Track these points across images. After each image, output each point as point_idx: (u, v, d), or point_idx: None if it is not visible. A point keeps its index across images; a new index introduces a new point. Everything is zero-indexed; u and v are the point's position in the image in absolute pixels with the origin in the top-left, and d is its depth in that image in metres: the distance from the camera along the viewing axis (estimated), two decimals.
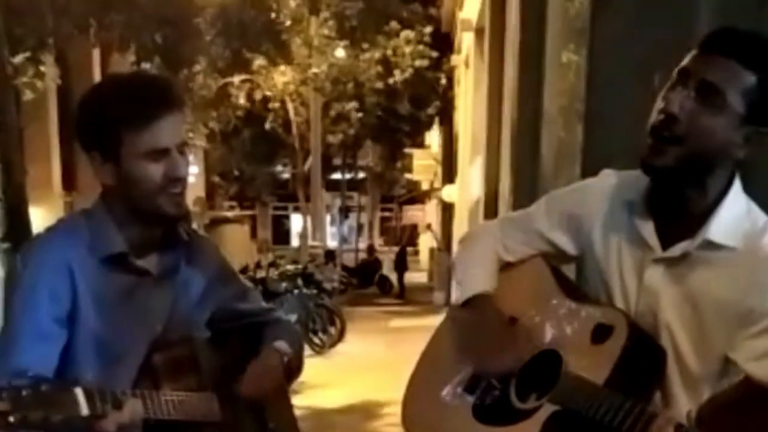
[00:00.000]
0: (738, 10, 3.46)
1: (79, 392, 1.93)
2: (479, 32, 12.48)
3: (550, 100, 6.63)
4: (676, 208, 2.13)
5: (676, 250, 2.12)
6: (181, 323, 2.44)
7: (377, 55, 22.61)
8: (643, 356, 2.11)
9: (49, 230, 2.39)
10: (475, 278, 2.39)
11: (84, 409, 1.93)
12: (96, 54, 15.09)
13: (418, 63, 22.86)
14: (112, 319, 2.31)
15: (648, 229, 2.16)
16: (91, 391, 1.97)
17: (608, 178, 2.31)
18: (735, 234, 2.08)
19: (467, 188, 14.65)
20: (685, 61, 2.06)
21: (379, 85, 23.08)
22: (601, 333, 2.13)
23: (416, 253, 36.27)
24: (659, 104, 2.07)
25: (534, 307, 2.34)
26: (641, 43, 3.78)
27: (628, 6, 3.94)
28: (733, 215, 2.09)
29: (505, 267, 2.44)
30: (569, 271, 2.47)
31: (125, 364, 2.31)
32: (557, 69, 6.46)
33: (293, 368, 2.59)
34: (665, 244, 2.13)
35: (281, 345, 2.55)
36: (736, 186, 2.13)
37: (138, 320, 2.35)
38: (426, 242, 31.70)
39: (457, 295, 2.42)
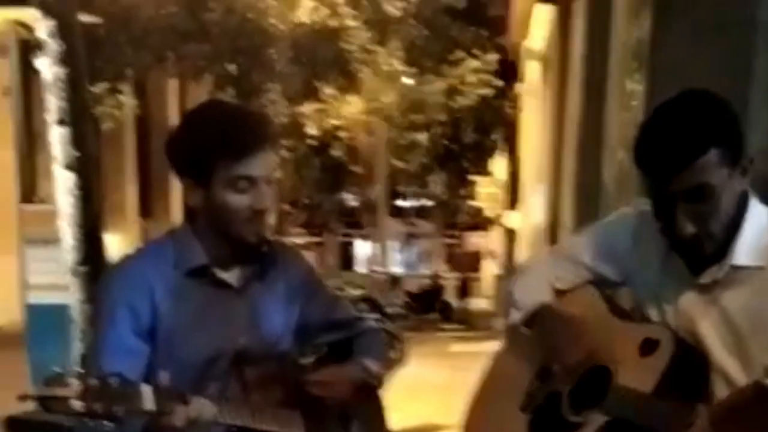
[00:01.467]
0: None
1: (146, 388, 2.06)
2: (544, 61, 12.58)
3: (612, 129, 6.72)
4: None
5: (706, 277, 2.21)
6: (266, 336, 2.49)
7: (443, 84, 22.75)
8: (688, 366, 2.24)
9: (136, 251, 2.55)
10: (533, 295, 2.49)
11: (149, 404, 2.05)
12: (173, 84, 15.47)
13: (483, 91, 22.96)
14: (195, 332, 2.39)
15: (677, 261, 2.27)
16: (160, 388, 2.09)
17: (644, 211, 2.36)
18: (759, 253, 2.16)
19: (530, 215, 14.67)
20: (659, 190, 2.14)
21: (445, 115, 23.20)
22: (648, 346, 2.26)
23: (479, 279, 36.16)
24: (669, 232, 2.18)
25: (585, 326, 2.44)
26: (700, 69, 3.87)
27: (686, 32, 4.03)
28: (754, 235, 2.17)
29: (559, 294, 2.53)
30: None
31: (208, 376, 2.40)
32: (620, 98, 6.55)
33: (377, 385, 2.64)
34: (695, 270, 2.24)
35: (368, 362, 2.57)
36: (753, 204, 2.21)
37: (221, 332, 2.42)
38: (489, 269, 31.60)
39: (513, 317, 2.52)
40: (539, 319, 2.46)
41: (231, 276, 2.45)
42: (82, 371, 1.99)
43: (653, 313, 2.34)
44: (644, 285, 2.36)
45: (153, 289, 2.36)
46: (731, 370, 2.21)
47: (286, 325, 2.56)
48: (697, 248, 2.16)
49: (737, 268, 2.17)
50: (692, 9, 3.94)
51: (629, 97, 6.18)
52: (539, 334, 2.47)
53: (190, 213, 2.46)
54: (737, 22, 3.75)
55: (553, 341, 2.41)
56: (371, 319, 2.96)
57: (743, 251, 2.16)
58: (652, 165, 2.13)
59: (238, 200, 2.32)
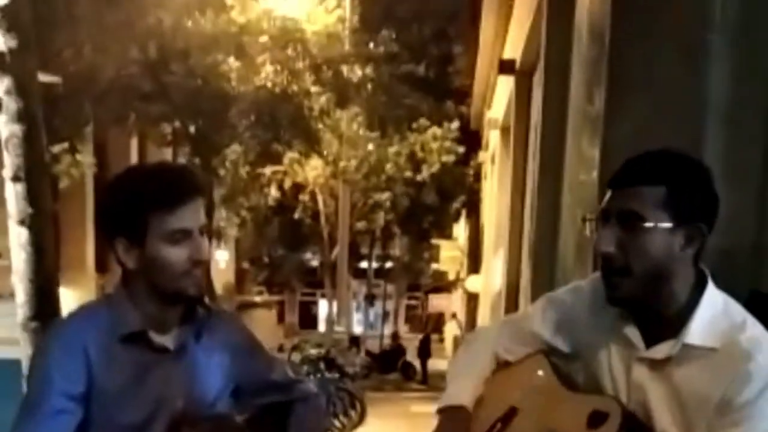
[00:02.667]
0: (743, 120, 3.62)
1: None
2: (505, 131, 12.72)
3: (568, 194, 6.77)
4: (652, 312, 2.26)
5: (659, 352, 2.23)
6: (203, 398, 2.49)
7: (405, 151, 22.99)
8: None
9: (69, 315, 2.52)
10: (458, 388, 2.53)
11: None
12: (134, 143, 15.50)
13: (444, 158, 23.22)
14: (130, 396, 2.39)
15: (631, 330, 2.28)
16: None
17: (597, 281, 2.40)
18: (713, 335, 2.18)
19: (491, 279, 14.71)
20: (603, 204, 2.22)
21: (408, 175, 23.42)
22: (596, 419, 2.27)
23: (441, 341, 36.13)
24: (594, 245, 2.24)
25: (535, 397, 2.47)
26: (653, 142, 3.91)
27: (640, 112, 4.08)
28: (709, 316, 2.20)
29: (508, 362, 2.56)
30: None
31: None
32: (577, 164, 6.61)
33: None
34: (649, 342, 2.26)
35: None
36: (710, 287, 2.23)
37: (157, 396, 2.41)
38: (451, 330, 31.61)
39: (441, 399, 2.54)
40: (446, 418, 2.48)
41: (167, 339, 2.45)
42: None
43: (606, 384, 2.34)
44: (596, 356, 2.36)
45: (88, 352, 2.36)
46: None
47: (222, 387, 2.55)
48: (614, 276, 2.20)
49: (690, 347, 2.19)
50: (645, 85, 3.99)
51: (587, 163, 6.23)
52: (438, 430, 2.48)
53: (124, 277, 2.45)
54: (690, 98, 3.80)
55: None
56: (309, 382, 2.92)
57: (697, 331, 2.19)
58: (615, 173, 2.21)
59: (175, 253, 2.33)
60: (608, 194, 2.21)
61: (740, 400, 2.11)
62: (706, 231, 2.18)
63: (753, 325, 2.20)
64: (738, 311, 2.24)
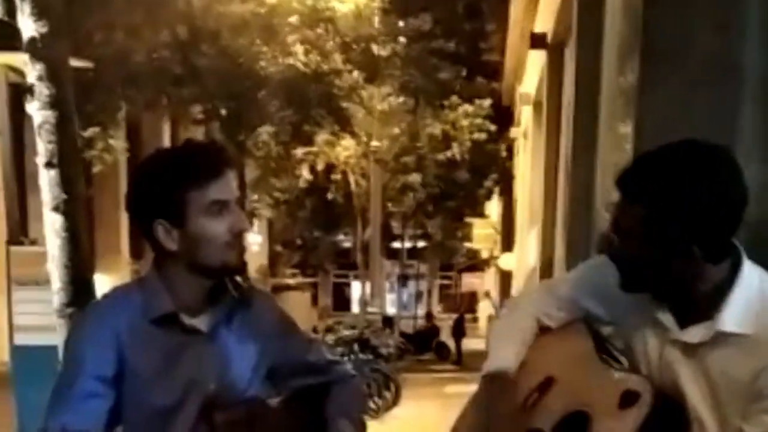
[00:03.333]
0: None
1: None
2: (537, 106, 12.66)
3: (602, 172, 6.72)
4: (679, 294, 2.23)
5: (692, 336, 2.21)
6: (236, 380, 2.48)
7: (437, 130, 22.93)
8: (666, 420, 2.24)
9: (102, 298, 2.53)
10: (502, 353, 2.50)
11: None
12: (166, 126, 15.57)
13: (476, 136, 23.12)
14: (162, 378, 2.40)
15: (664, 312, 2.27)
16: None
17: None
18: (747, 320, 2.15)
19: (525, 257, 14.70)
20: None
21: (440, 156, 23.35)
22: (628, 399, 2.26)
23: (475, 320, 36.12)
24: None
25: (572, 368, 2.45)
26: (686, 122, 3.87)
27: (674, 81, 4.04)
28: (744, 301, 2.15)
29: (549, 329, 2.54)
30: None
31: (176, 421, 2.40)
32: (611, 141, 6.55)
33: None
34: (682, 321, 2.24)
35: (343, 425, 2.55)
36: (745, 269, 2.18)
37: (189, 378, 2.42)
38: (485, 309, 31.60)
39: (485, 365, 2.53)
40: (493, 381, 2.47)
41: (200, 322, 2.45)
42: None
43: (639, 358, 2.35)
44: (632, 331, 2.36)
45: (120, 335, 2.37)
46: (709, 424, 2.23)
47: (256, 369, 2.54)
48: (616, 258, 2.24)
49: (723, 333, 2.17)
50: (679, 59, 3.94)
51: (620, 140, 6.17)
52: (482, 395, 2.49)
53: (157, 261, 2.46)
54: (724, 72, 3.75)
55: (492, 415, 2.44)
56: (347, 364, 2.91)
57: (731, 318, 2.15)
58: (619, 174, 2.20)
59: (216, 225, 2.35)
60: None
61: None
62: (698, 254, 2.13)
63: None
64: None
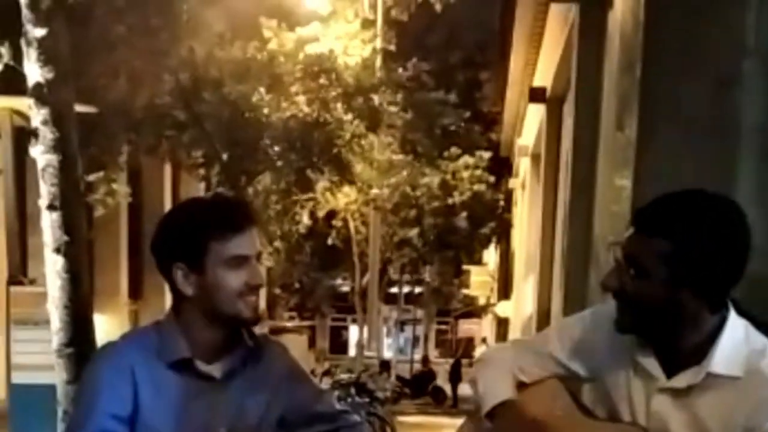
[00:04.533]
0: None
1: None
2: (535, 158, 12.77)
3: (600, 224, 6.77)
4: (669, 342, 2.24)
5: (681, 381, 2.21)
6: (248, 426, 2.49)
7: (437, 179, 23.10)
8: None
9: (121, 338, 2.54)
10: (496, 388, 2.46)
11: None
12: (167, 172, 15.65)
13: (476, 187, 23.31)
14: (175, 422, 2.40)
15: (650, 361, 2.27)
16: None
17: (614, 306, 2.38)
18: (736, 362, 2.16)
19: (521, 304, 14.71)
20: (624, 238, 2.22)
21: (438, 204, 23.51)
22: None
23: (471, 365, 35.94)
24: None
25: (553, 422, 2.41)
26: (685, 173, 3.92)
27: (674, 139, 4.09)
28: (732, 345, 2.18)
29: (521, 387, 2.47)
30: None
31: None
32: (608, 193, 6.60)
33: None
34: (669, 370, 2.25)
35: None
36: (732, 316, 2.21)
37: (201, 423, 2.43)
38: None
39: (483, 406, 2.47)
40: (502, 414, 2.41)
41: (214, 369, 2.47)
42: None
43: (623, 411, 2.32)
44: (615, 383, 2.34)
45: (135, 376, 2.39)
46: None
47: (266, 417, 2.54)
48: (619, 307, 2.22)
49: (712, 376, 2.17)
50: (678, 114, 3.99)
51: (619, 192, 6.22)
52: (500, 430, 2.43)
53: (175, 305, 2.49)
54: (723, 127, 3.81)
55: None
56: (355, 414, 2.89)
57: (721, 360, 2.16)
58: (636, 213, 2.20)
59: (233, 278, 2.38)
60: (630, 230, 2.21)
61: (766, 428, 2.11)
62: (702, 301, 2.16)
63: None
64: (759, 338, 2.22)
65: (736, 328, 2.20)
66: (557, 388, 2.46)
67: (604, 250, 6.46)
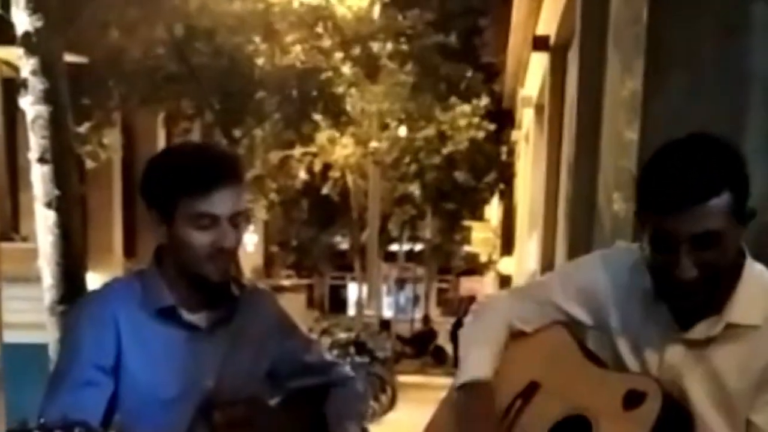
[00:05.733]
0: None
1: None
2: (539, 109, 12.65)
3: (606, 177, 6.66)
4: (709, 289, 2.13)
5: (699, 333, 2.13)
6: (236, 377, 2.47)
7: (435, 130, 22.93)
8: (676, 423, 2.13)
9: (102, 287, 2.50)
10: (476, 361, 2.37)
11: None
12: (161, 125, 15.54)
13: (473, 133, 23.10)
14: (160, 372, 2.39)
15: (664, 311, 2.17)
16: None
17: (624, 254, 2.29)
18: (755, 311, 2.10)
19: (525, 261, 14.68)
20: (665, 231, 2.03)
21: (438, 159, 23.35)
22: (633, 399, 2.13)
23: None
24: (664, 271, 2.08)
25: (558, 372, 2.33)
26: (693, 123, 3.83)
27: (680, 84, 4.00)
28: (751, 294, 2.11)
29: (524, 334, 2.42)
30: None
31: (173, 416, 2.39)
32: (614, 147, 6.51)
33: None
34: (683, 324, 2.15)
35: (350, 429, 2.56)
36: (748, 262, 2.14)
37: (187, 374, 2.41)
38: None
39: (457, 376, 2.40)
40: (469, 393, 2.33)
41: (199, 318, 2.44)
42: (45, 423, 1.91)
43: (631, 363, 2.24)
44: (623, 333, 2.25)
45: (119, 326, 2.37)
46: (716, 426, 2.15)
47: (255, 368, 2.54)
48: (693, 295, 2.07)
49: (731, 326, 2.11)
50: (686, 62, 3.91)
51: (624, 146, 6.14)
52: (460, 409, 2.35)
53: (158, 255, 2.46)
54: (732, 75, 3.72)
55: (467, 425, 2.31)
56: (346, 365, 2.87)
57: (739, 309, 2.11)
58: (661, 200, 2.01)
59: (199, 237, 2.33)
60: (660, 218, 2.02)
61: None
62: (755, 210, 2.09)
63: None
64: None
65: (753, 276, 2.13)
66: (562, 335, 2.36)
67: (607, 205, 6.41)
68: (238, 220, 2.38)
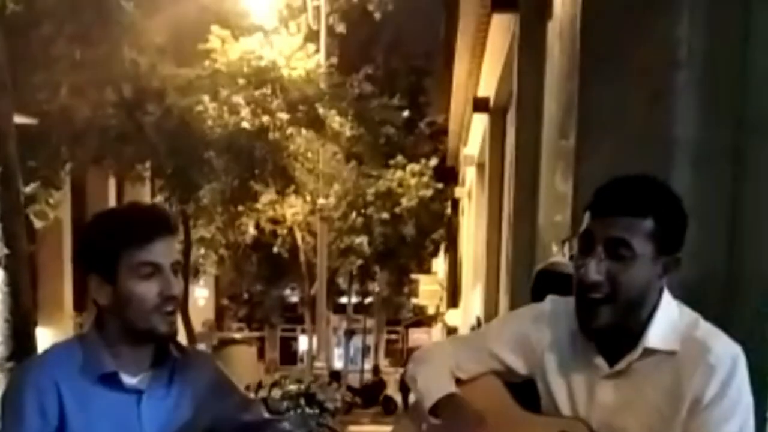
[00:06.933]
0: (710, 158, 3.68)
1: None
2: (480, 167, 12.88)
3: (544, 231, 6.84)
4: (617, 333, 2.25)
5: (622, 364, 2.24)
6: None
7: (383, 188, 23.20)
8: None
9: (43, 353, 2.52)
10: (437, 383, 2.45)
11: None
12: (112, 184, 15.52)
13: (422, 193, 23.43)
14: None
15: (593, 352, 2.29)
16: None
17: (555, 303, 2.40)
18: (672, 338, 2.22)
19: (470, 312, 14.78)
20: (586, 227, 2.21)
21: (386, 215, 23.60)
22: None
23: None
24: (577, 272, 2.23)
25: (494, 417, 2.40)
26: None
27: (610, 148, 4.14)
28: (667, 321, 2.23)
29: (457, 384, 2.47)
30: None
31: None
32: (551, 200, 6.68)
33: None
34: (611, 361, 2.26)
35: None
36: (665, 295, 2.26)
37: None
38: None
39: (424, 404, 2.45)
40: (446, 406, 2.41)
41: (140, 381, 2.45)
42: None
43: (563, 407, 2.34)
44: (555, 379, 2.36)
45: (60, 391, 2.36)
46: None
47: (195, 429, 2.53)
48: (595, 304, 2.19)
49: (650, 352, 2.22)
50: (613, 123, 4.04)
51: (561, 199, 6.29)
52: (445, 424, 2.40)
53: (98, 318, 2.46)
54: (657, 138, 3.85)
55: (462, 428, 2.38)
56: (284, 422, 2.92)
57: (656, 335, 2.21)
58: (595, 203, 2.19)
59: (145, 288, 2.34)
60: (590, 220, 2.20)
61: (709, 393, 2.15)
62: (680, 260, 2.23)
63: (704, 321, 2.26)
64: (690, 313, 2.28)
65: (669, 306, 2.25)
66: (495, 384, 2.46)
67: (546, 259, 6.55)
68: (177, 268, 2.41)
